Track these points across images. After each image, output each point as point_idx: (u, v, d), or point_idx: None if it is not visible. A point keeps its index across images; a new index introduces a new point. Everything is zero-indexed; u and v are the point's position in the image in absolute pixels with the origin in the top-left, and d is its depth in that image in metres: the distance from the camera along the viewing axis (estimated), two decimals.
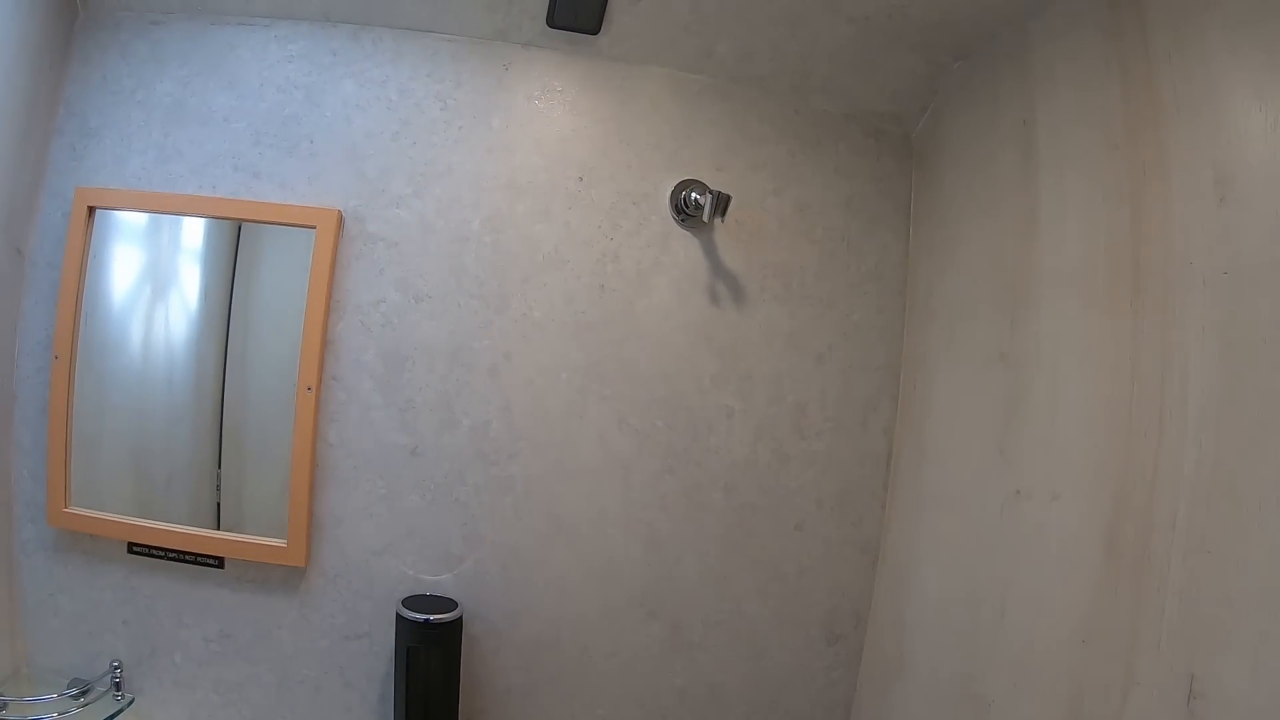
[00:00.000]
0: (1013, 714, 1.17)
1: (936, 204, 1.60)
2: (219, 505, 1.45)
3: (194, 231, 1.47)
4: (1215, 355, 0.92)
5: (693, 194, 1.54)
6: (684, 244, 1.58)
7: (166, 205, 1.44)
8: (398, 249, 1.50)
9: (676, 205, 1.57)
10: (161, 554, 1.43)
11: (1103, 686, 1.00)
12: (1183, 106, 1.00)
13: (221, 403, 1.45)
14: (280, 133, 1.49)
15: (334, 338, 1.48)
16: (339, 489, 1.47)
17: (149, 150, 1.46)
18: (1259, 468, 0.84)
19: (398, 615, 1.38)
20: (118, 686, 1.42)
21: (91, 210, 1.42)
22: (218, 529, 1.44)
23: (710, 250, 1.58)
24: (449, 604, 1.42)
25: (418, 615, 1.36)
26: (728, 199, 1.43)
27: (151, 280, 1.47)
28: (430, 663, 1.37)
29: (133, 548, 1.43)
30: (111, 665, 1.43)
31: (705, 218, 1.48)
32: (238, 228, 1.47)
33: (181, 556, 1.43)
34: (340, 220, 1.48)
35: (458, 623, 1.39)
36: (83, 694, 1.37)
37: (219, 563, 1.44)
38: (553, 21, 1.47)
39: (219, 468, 1.45)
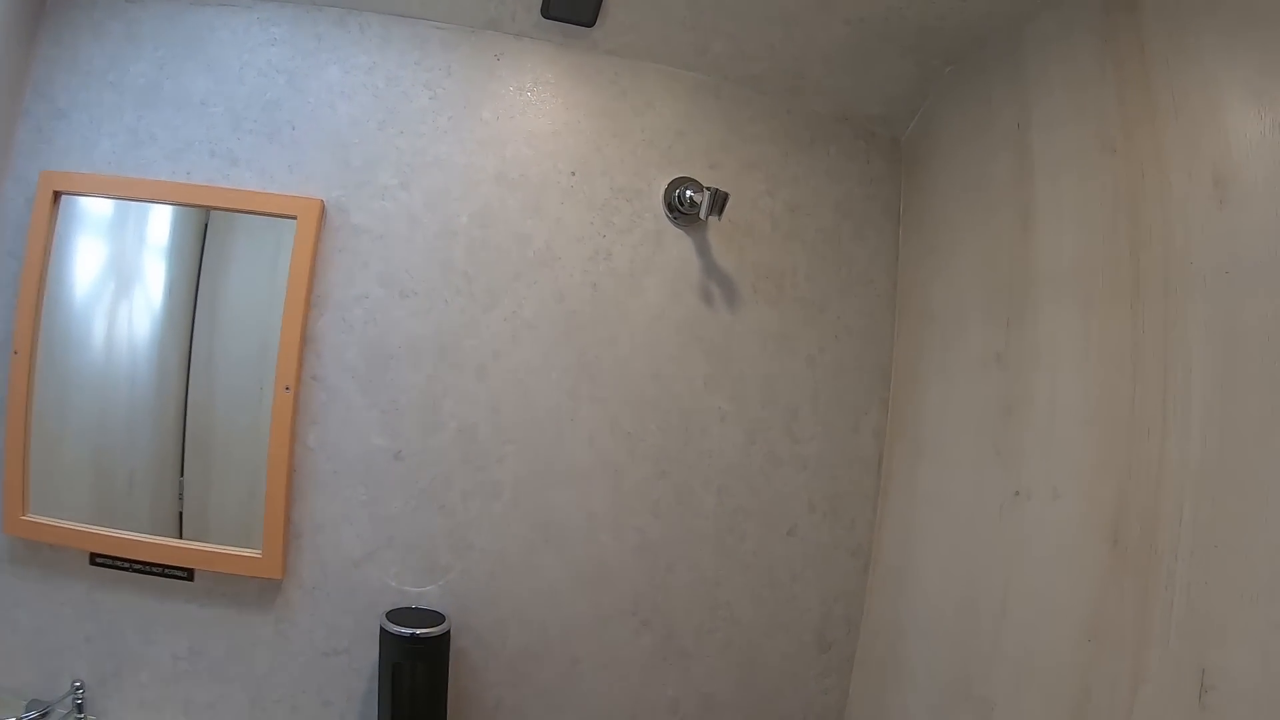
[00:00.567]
0: (1017, 714, 1.16)
1: (928, 207, 1.60)
2: (181, 513, 1.36)
3: (161, 221, 1.39)
4: (1218, 352, 0.92)
5: (687, 191, 1.52)
6: (677, 243, 1.55)
7: (137, 191, 1.36)
8: (383, 242, 1.45)
9: (670, 203, 1.55)
10: (126, 566, 1.34)
11: (1110, 683, 0.99)
12: (1180, 109, 1.02)
13: (186, 403, 1.37)
14: (261, 118, 1.42)
15: (314, 335, 1.41)
16: (318, 495, 1.40)
17: (120, 134, 1.38)
18: (1265, 461, 0.85)
19: (381, 630, 1.31)
20: (80, 708, 1.32)
21: (57, 195, 1.33)
22: (180, 538, 1.35)
23: (703, 250, 1.56)
24: (436, 617, 1.36)
25: (403, 630, 1.29)
26: (725, 196, 1.42)
27: (117, 272, 1.38)
28: (416, 680, 1.30)
29: (95, 559, 1.34)
30: (73, 685, 1.33)
31: (702, 215, 1.45)
32: (205, 219, 1.39)
33: (149, 568, 1.35)
34: (323, 211, 1.42)
35: (445, 637, 1.33)
36: (42, 716, 1.28)
37: (188, 575, 1.36)
38: (547, 12, 1.45)
39: (181, 475, 1.36)
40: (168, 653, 1.37)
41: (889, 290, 1.66)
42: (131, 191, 1.36)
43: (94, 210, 1.37)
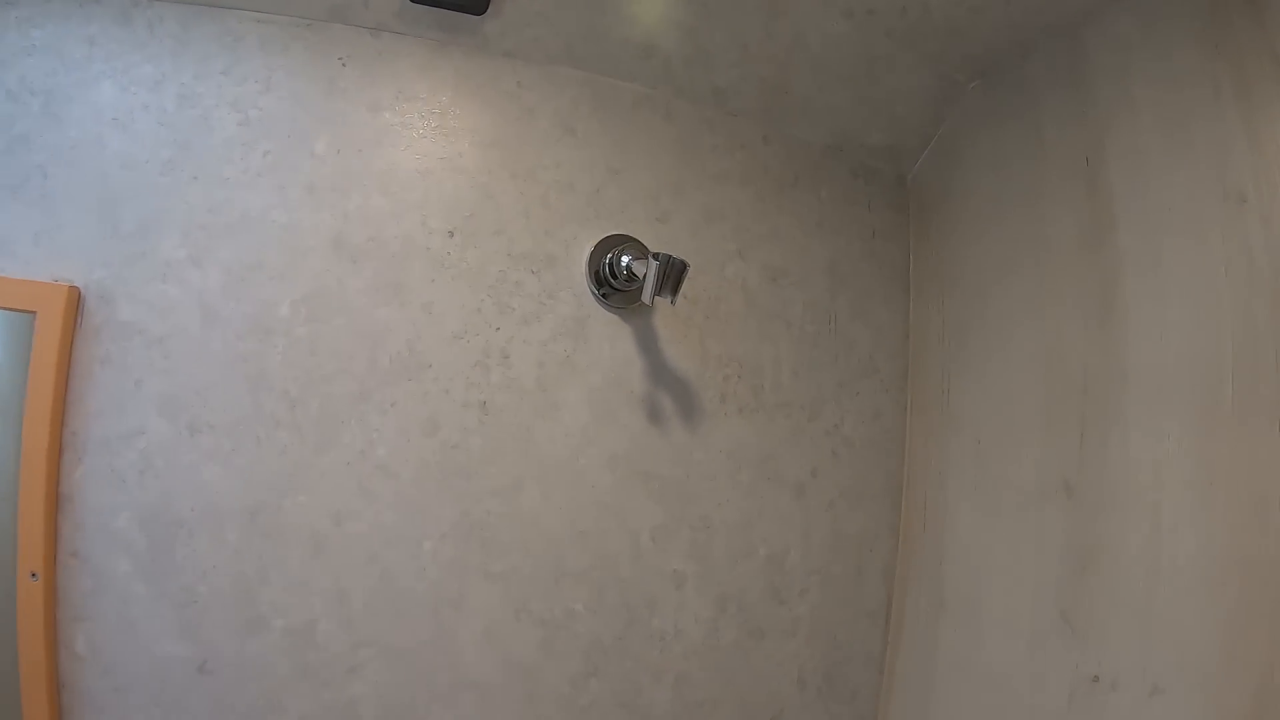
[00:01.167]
0: None
1: (949, 270, 1.25)
2: None
3: None
4: None
5: (624, 258, 1.07)
6: (609, 333, 1.11)
7: None
8: (163, 348, 0.99)
9: (598, 274, 1.09)
10: None
11: None
12: None
13: None
14: (3, 162, 0.99)
15: (69, 493, 0.96)
16: None
17: None
18: None
19: None
20: None
21: None
22: None
23: (648, 341, 1.12)
24: None
25: None
26: (683, 266, 0.99)
27: None
28: None
29: None
30: None
31: (646, 296, 1.00)
32: None
33: None
34: (78, 301, 0.98)
35: None
36: None
37: None
38: None
39: None
40: None
41: (899, 383, 1.26)
42: None
43: None
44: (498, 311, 1.06)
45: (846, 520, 1.22)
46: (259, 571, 0.99)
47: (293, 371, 1.01)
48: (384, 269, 1.04)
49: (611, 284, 1.08)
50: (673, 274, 0.98)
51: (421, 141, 1.07)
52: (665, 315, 1.12)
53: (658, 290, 0.98)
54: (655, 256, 0.98)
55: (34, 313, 0.96)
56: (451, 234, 1.06)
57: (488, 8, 1.04)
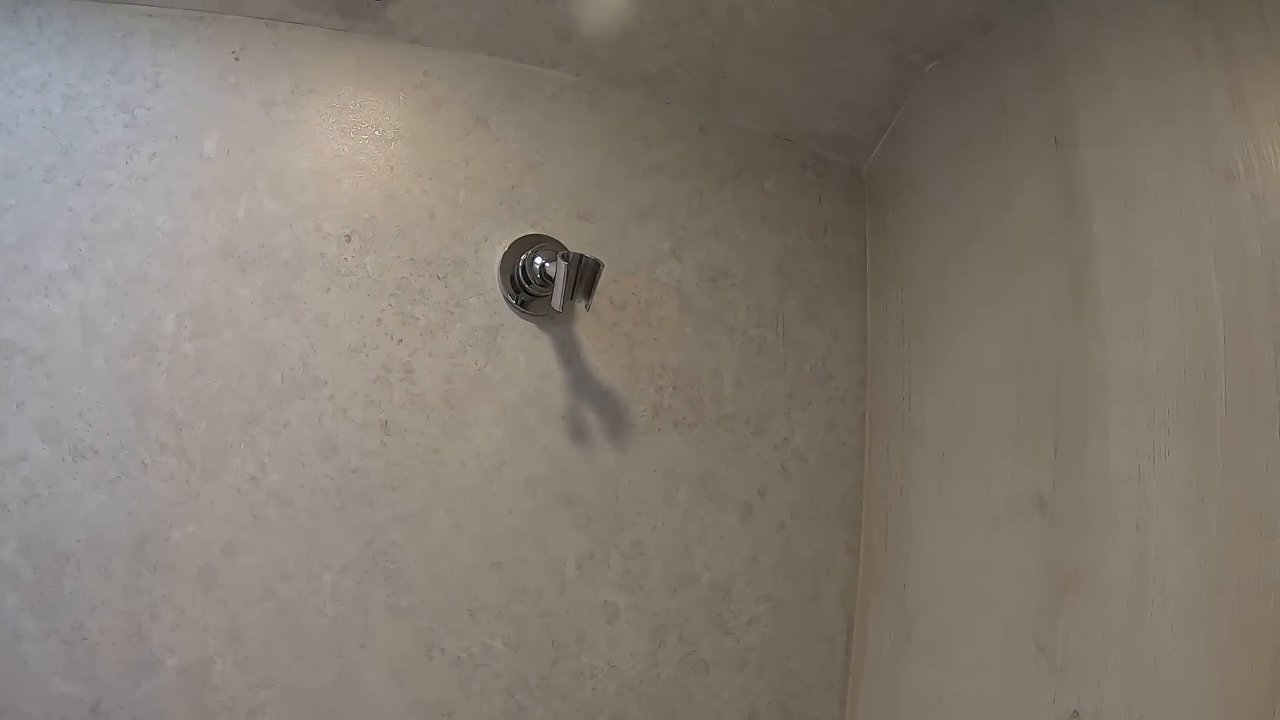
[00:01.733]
0: None
1: (908, 268, 1.17)
2: None
3: None
4: None
5: (539, 260, 0.98)
6: (525, 343, 1.02)
7: None
8: (45, 367, 0.92)
9: (512, 279, 1.00)
10: None
11: None
12: None
13: None
14: None
15: None
16: None
17: None
18: None
19: None
20: None
21: None
22: None
23: (569, 351, 1.03)
24: None
25: None
26: (595, 267, 0.91)
27: None
28: None
29: None
30: None
31: (556, 302, 0.91)
32: None
33: None
34: None
35: None
36: None
37: None
38: None
39: None
40: None
41: (856, 391, 1.17)
42: None
43: None
44: (399, 322, 0.98)
45: (800, 542, 1.12)
46: (148, 607, 0.92)
47: (178, 391, 0.93)
48: (275, 278, 0.96)
49: (527, 289, 0.99)
50: (585, 275, 0.89)
51: (317, 138, 0.99)
52: (590, 323, 1.02)
53: (569, 294, 0.90)
54: (564, 256, 0.89)
55: None
56: (348, 238, 0.97)
57: None
